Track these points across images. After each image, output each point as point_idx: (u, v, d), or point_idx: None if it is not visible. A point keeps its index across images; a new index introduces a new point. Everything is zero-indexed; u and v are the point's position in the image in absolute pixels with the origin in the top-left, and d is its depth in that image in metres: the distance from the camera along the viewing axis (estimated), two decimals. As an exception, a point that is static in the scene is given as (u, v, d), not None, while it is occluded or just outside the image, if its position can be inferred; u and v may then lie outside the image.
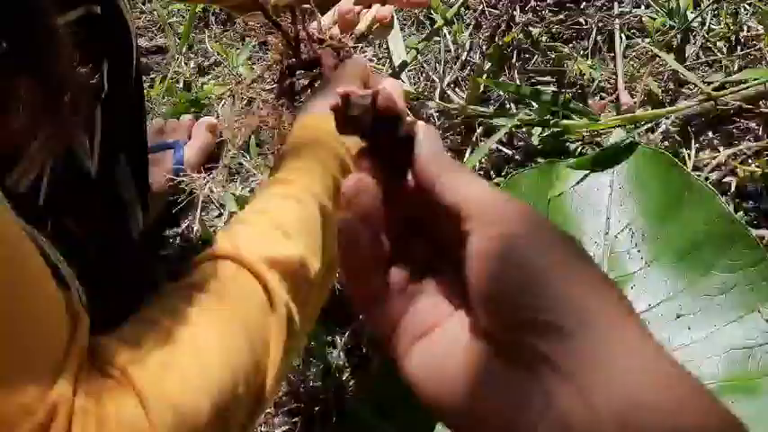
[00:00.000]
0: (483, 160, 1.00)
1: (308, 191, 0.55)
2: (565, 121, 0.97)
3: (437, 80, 1.09)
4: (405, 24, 1.22)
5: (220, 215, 1.04)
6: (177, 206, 1.04)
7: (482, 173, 1.00)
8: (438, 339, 0.31)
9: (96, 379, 0.40)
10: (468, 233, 0.29)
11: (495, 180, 0.97)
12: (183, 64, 1.22)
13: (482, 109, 1.03)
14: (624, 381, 0.24)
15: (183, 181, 1.02)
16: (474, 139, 1.03)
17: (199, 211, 1.04)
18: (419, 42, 1.13)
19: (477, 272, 0.28)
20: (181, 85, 1.20)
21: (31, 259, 0.39)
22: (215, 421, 0.42)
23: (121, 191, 0.80)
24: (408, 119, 0.34)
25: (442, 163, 0.32)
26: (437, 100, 1.04)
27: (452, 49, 1.13)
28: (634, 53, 1.09)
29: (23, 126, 0.45)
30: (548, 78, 1.09)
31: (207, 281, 0.48)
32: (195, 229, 1.02)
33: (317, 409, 0.82)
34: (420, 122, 0.34)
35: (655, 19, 1.10)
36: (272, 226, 0.53)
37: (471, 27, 1.14)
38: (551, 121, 0.97)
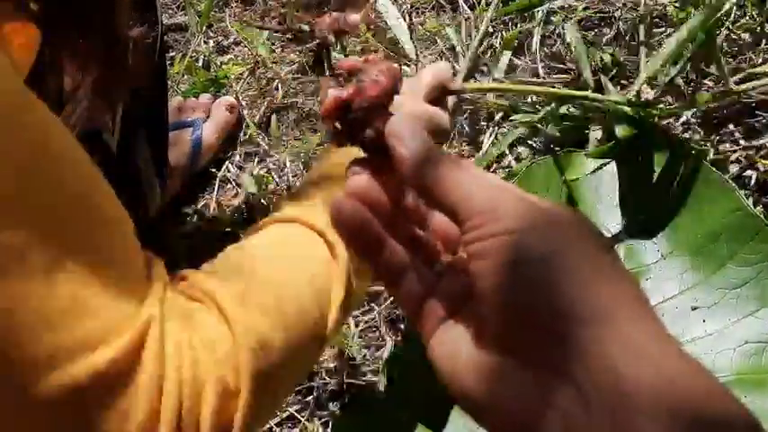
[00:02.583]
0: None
1: None
2: (585, 115, 0.97)
3: (457, 67, 1.08)
4: (425, 9, 1.21)
5: (237, 194, 1.05)
6: (194, 184, 1.05)
7: (501, 162, 1.00)
8: (454, 328, 0.31)
9: (183, 302, 0.42)
10: (469, 230, 0.28)
11: (515, 168, 0.97)
12: (202, 42, 1.22)
13: (503, 102, 1.02)
14: (618, 379, 0.24)
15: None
16: (493, 125, 1.03)
17: (216, 190, 1.05)
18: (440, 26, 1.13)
19: (477, 270, 0.28)
20: (200, 63, 1.20)
21: (104, 184, 0.41)
22: (287, 356, 0.44)
23: (141, 167, 0.81)
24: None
25: (429, 157, 0.30)
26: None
27: (473, 35, 1.12)
28: (657, 42, 1.08)
29: (73, 78, 0.47)
30: (568, 65, 1.09)
31: (275, 234, 0.52)
32: (212, 207, 1.03)
33: (330, 389, 0.83)
34: (395, 115, 0.32)
35: (679, 9, 1.09)
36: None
37: (493, 9, 1.13)
38: (571, 114, 0.97)
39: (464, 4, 1.15)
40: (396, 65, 0.33)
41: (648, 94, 0.99)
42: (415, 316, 0.32)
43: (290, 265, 0.49)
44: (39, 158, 0.35)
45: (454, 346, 0.30)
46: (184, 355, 0.39)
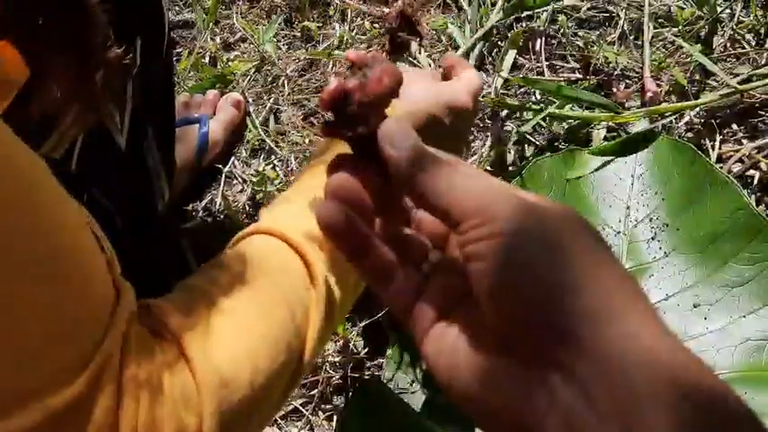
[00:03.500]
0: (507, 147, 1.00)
1: None
2: (589, 113, 0.98)
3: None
4: (430, 7, 1.22)
5: (243, 190, 1.06)
6: (201, 180, 1.06)
7: (505, 160, 1.00)
8: (449, 328, 0.30)
9: (147, 338, 0.41)
10: (463, 232, 0.28)
11: (519, 166, 0.98)
12: (209, 39, 1.23)
13: (508, 101, 1.03)
14: (623, 375, 0.24)
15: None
16: (498, 123, 1.03)
17: (222, 185, 1.05)
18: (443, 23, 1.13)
19: (476, 271, 0.28)
20: (207, 60, 1.21)
21: (71, 209, 0.39)
22: (256, 391, 0.42)
23: (149, 164, 0.82)
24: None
25: (420, 160, 0.30)
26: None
27: (478, 32, 1.13)
28: (661, 42, 1.08)
29: (58, 98, 0.46)
30: (572, 64, 1.09)
31: (249, 254, 0.49)
32: (218, 203, 1.04)
33: (334, 383, 0.83)
34: (388, 118, 0.32)
35: (683, 9, 1.10)
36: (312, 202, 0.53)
37: (498, 8, 1.14)
38: (576, 113, 0.98)
39: (467, 4, 1.16)
40: (399, 69, 0.33)
41: (652, 92, 0.99)
42: (405, 317, 0.32)
43: (264, 291, 0.47)
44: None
45: (450, 347, 0.30)
46: (142, 397, 0.37)
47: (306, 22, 1.20)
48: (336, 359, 0.84)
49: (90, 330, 0.37)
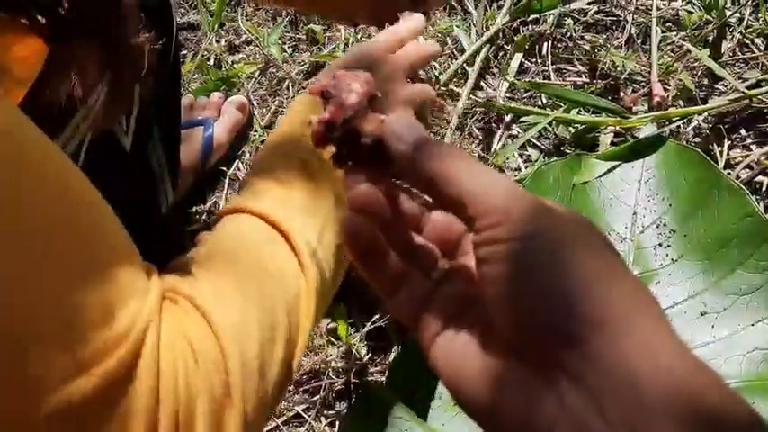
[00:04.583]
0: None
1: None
2: (596, 118, 0.97)
3: (467, 68, 1.08)
4: (436, 10, 1.21)
5: (247, 193, 1.05)
6: (205, 182, 1.06)
7: (510, 164, 1.00)
8: (458, 334, 0.30)
9: (167, 304, 0.42)
10: (479, 230, 0.28)
11: (524, 171, 0.97)
12: (214, 41, 1.23)
13: (512, 104, 1.02)
14: (633, 383, 0.24)
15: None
16: (503, 127, 1.02)
17: (226, 188, 1.05)
18: (448, 26, 1.13)
19: (487, 274, 0.28)
20: (212, 62, 1.21)
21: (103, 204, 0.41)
22: (264, 346, 0.44)
23: (153, 166, 0.81)
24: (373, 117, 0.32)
25: (427, 146, 0.30)
26: (468, 89, 1.04)
27: (484, 35, 1.12)
28: (669, 47, 1.08)
29: (88, 84, 0.47)
30: (579, 68, 1.08)
31: (236, 232, 0.52)
32: (222, 206, 1.04)
33: (336, 388, 0.83)
34: (388, 117, 0.32)
35: (692, 13, 1.09)
36: (278, 183, 0.55)
37: (505, 12, 1.13)
38: (582, 117, 0.97)
39: (473, 7, 1.15)
40: (365, 72, 0.33)
41: (660, 97, 0.98)
42: (413, 324, 0.32)
43: (255, 264, 0.49)
44: (35, 184, 0.35)
45: (458, 354, 0.30)
46: (178, 364, 0.39)
47: (311, 25, 1.20)
48: (339, 364, 0.83)
49: (133, 294, 0.39)
